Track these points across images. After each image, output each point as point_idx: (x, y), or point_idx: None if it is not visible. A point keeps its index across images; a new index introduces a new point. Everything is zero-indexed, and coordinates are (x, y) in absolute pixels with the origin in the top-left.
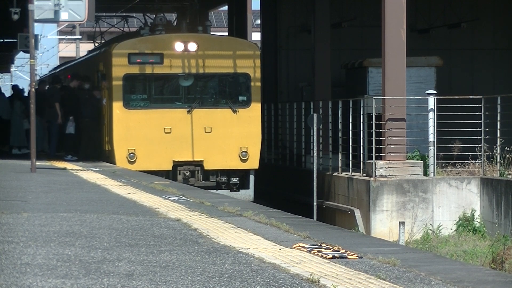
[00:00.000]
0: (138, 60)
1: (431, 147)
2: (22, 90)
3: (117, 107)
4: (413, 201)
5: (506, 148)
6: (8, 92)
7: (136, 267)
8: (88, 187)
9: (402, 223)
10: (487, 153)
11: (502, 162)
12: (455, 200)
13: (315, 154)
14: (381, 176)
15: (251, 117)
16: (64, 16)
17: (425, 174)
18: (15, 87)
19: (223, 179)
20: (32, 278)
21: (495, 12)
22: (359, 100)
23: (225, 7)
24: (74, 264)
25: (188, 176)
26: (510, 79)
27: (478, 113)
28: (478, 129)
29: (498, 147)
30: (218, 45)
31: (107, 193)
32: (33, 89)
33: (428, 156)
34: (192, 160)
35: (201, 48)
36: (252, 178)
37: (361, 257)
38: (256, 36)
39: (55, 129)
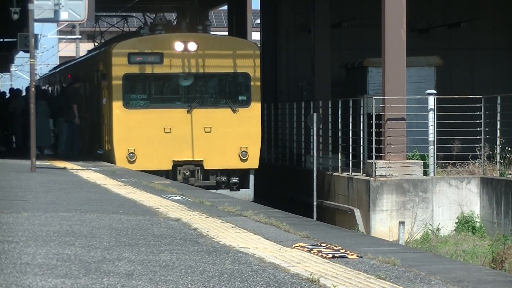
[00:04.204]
0: (138, 60)
1: (431, 147)
2: (45, 91)
3: (117, 107)
4: (413, 200)
5: (506, 148)
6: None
7: (136, 267)
8: (88, 186)
9: (402, 223)
10: (487, 153)
11: (502, 161)
12: (455, 200)
13: (315, 154)
14: (381, 175)
15: (251, 117)
16: (64, 15)
17: (425, 173)
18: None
19: (223, 178)
20: (32, 277)
21: (495, 12)
22: (359, 99)
23: (225, 7)
24: (74, 264)
25: (188, 175)
26: (510, 79)
27: (478, 113)
28: (478, 129)
29: (498, 147)
30: (218, 44)
31: (107, 193)
32: (33, 89)
33: (428, 155)
34: (192, 159)
35: (201, 48)
36: (252, 177)
37: (361, 257)
38: (256, 36)
39: (71, 130)
